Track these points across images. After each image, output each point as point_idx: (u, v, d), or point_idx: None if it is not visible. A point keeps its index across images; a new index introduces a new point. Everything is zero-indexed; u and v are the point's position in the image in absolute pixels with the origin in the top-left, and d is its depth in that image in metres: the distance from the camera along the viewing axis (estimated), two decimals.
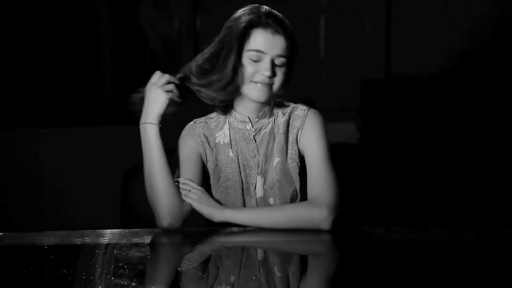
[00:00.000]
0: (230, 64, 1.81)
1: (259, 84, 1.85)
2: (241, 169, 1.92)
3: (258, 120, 1.93)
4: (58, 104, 4.58)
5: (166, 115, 1.86)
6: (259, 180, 1.92)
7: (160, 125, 1.85)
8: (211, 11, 5.12)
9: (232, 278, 1.46)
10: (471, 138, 4.36)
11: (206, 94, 1.86)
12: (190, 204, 1.87)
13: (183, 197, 1.87)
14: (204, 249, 1.76)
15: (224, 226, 1.86)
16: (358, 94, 4.71)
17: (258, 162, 1.92)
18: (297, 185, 1.92)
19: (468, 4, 4.99)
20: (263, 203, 1.92)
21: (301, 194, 1.93)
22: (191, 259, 1.66)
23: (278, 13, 1.88)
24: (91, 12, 5.00)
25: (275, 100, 1.94)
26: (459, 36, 4.98)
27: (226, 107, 1.94)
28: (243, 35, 1.81)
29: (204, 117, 1.98)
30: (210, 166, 1.94)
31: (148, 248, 1.68)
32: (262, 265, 1.60)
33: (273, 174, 1.91)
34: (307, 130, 1.91)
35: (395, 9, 5.06)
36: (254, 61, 1.83)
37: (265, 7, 1.88)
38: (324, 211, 1.81)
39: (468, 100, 4.46)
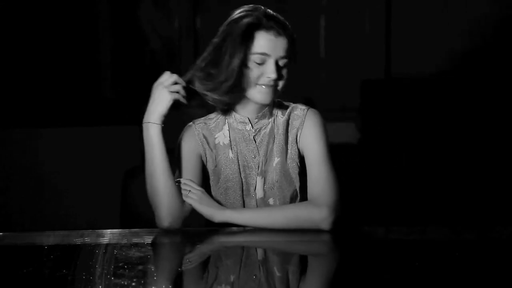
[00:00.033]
0: (235, 68, 1.80)
1: (264, 87, 1.84)
2: (241, 170, 1.92)
3: (258, 120, 1.93)
4: (58, 104, 4.58)
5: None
6: (259, 181, 1.92)
7: (162, 125, 1.84)
8: (211, 11, 5.12)
9: (232, 278, 1.46)
10: (471, 138, 4.36)
11: (212, 98, 1.85)
12: (190, 205, 1.87)
13: (184, 198, 1.87)
14: (204, 249, 1.76)
15: (224, 226, 1.86)
16: (358, 94, 4.71)
17: (258, 163, 1.92)
18: (297, 185, 1.92)
19: (468, 4, 4.99)
20: (263, 203, 1.92)
21: (301, 194, 1.93)
22: (191, 259, 1.66)
23: (277, 14, 1.88)
24: (91, 12, 5.00)
25: (275, 100, 1.94)
26: (459, 36, 4.98)
27: (227, 108, 1.93)
28: (246, 39, 1.80)
29: (203, 118, 1.98)
30: (209, 167, 1.94)
31: (148, 248, 1.68)
32: (262, 265, 1.60)
33: (273, 174, 1.91)
34: (307, 130, 1.91)
35: (395, 9, 5.06)
36: (258, 64, 1.82)
37: (262, 8, 1.86)
38: (324, 211, 1.81)
39: (468, 100, 4.46)
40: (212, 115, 1.97)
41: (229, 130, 1.94)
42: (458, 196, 4.09)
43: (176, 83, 1.84)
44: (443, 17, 5.03)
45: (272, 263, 1.63)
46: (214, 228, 1.89)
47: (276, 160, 1.91)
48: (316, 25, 5.38)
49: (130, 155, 4.01)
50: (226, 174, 1.92)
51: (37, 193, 4.01)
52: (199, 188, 1.89)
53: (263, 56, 1.82)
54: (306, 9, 5.28)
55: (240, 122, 1.93)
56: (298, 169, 1.92)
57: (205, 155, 1.94)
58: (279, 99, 1.96)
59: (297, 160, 1.92)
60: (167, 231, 1.85)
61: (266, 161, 1.92)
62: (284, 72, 1.85)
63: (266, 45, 1.81)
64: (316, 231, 1.81)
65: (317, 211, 1.81)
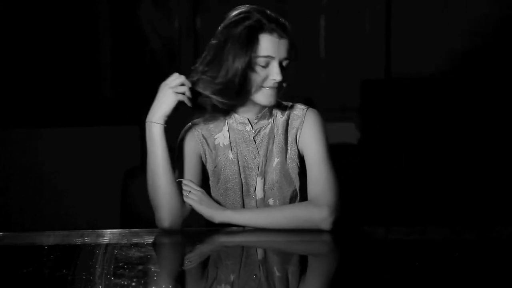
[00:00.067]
0: (239, 72, 1.79)
1: (268, 89, 1.84)
2: (241, 170, 1.92)
3: (258, 121, 1.93)
4: (58, 104, 4.58)
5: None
6: (259, 182, 1.91)
7: (165, 125, 1.84)
8: (211, 11, 5.12)
9: (232, 278, 1.46)
10: (471, 138, 4.36)
11: (217, 101, 1.85)
12: (190, 205, 1.87)
13: (184, 198, 1.87)
14: (204, 249, 1.76)
15: (224, 226, 1.86)
16: (358, 94, 4.71)
17: (258, 163, 1.92)
18: (297, 185, 1.92)
19: (468, 4, 4.99)
20: (263, 204, 1.92)
21: (301, 194, 1.92)
22: (191, 259, 1.66)
23: (276, 15, 1.87)
24: (91, 12, 5.00)
25: None
26: (459, 36, 4.98)
27: (228, 110, 1.93)
28: (250, 42, 1.80)
29: (202, 118, 1.97)
30: (209, 167, 1.94)
31: (148, 248, 1.68)
32: (262, 265, 1.60)
33: (273, 175, 1.91)
34: (306, 129, 1.91)
35: (395, 9, 5.06)
36: (263, 67, 1.82)
37: (259, 9, 1.85)
38: (325, 211, 1.80)
39: (468, 100, 4.46)
40: (211, 116, 1.96)
41: (228, 131, 1.93)
42: (458, 196, 4.09)
43: (182, 85, 1.83)
44: (443, 17, 5.03)
45: (272, 263, 1.63)
46: (214, 228, 1.89)
47: (276, 160, 1.91)
48: (316, 25, 5.38)
49: (130, 155, 4.01)
50: (226, 175, 1.92)
51: (37, 193, 4.01)
52: (199, 188, 1.89)
53: (267, 59, 1.81)
54: (306, 9, 5.28)
55: (240, 123, 1.92)
56: (297, 169, 1.92)
57: (205, 156, 1.93)
58: (279, 99, 1.96)
59: (296, 160, 1.92)
60: (167, 231, 1.85)
61: (266, 161, 1.92)
62: (286, 72, 1.85)
63: (270, 48, 1.81)
64: (316, 231, 1.81)
65: (317, 211, 1.81)
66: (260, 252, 1.72)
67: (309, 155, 1.89)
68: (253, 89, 1.84)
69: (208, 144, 1.93)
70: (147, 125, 1.84)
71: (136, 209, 2.23)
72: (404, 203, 4.04)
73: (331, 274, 1.56)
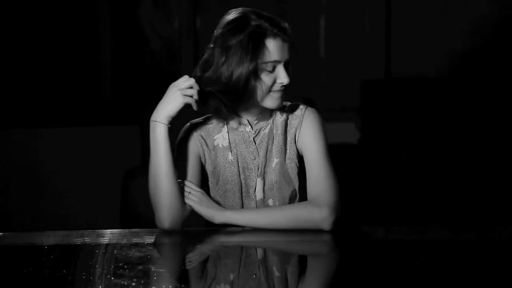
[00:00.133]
0: (243, 77, 1.79)
1: (276, 93, 1.84)
2: (241, 172, 1.92)
3: (258, 122, 1.93)
4: (58, 104, 4.59)
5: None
6: (259, 182, 1.91)
7: (169, 126, 1.83)
8: (211, 11, 5.13)
9: (232, 278, 1.46)
10: (471, 138, 4.37)
11: (220, 102, 1.85)
12: (190, 206, 1.87)
13: (184, 199, 1.87)
14: (204, 249, 1.76)
15: (224, 226, 1.86)
16: (358, 94, 4.71)
17: (258, 164, 1.92)
18: (296, 185, 1.91)
19: (468, 4, 5.00)
20: (263, 205, 1.91)
21: (300, 194, 1.92)
22: (191, 259, 1.66)
23: (275, 16, 1.86)
24: (91, 12, 5.00)
25: None
26: (459, 36, 4.99)
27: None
28: (255, 49, 1.79)
29: (201, 118, 1.97)
30: (208, 168, 1.94)
31: (148, 248, 1.68)
32: (262, 264, 1.60)
33: (272, 175, 1.91)
34: (305, 129, 1.91)
35: (395, 9, 5.06)
36: (269, 71, 1.82)
37: (256, 12, 1.84)
38: (325, 211, 1.80)
39: (468, 100, 4.46)
40: (210, 116, 1.96)
41: (228, 132, 1.93)
42: (458, 196, 4.09)
43: (191, 88, 1.83)
44: (443, 17, 5.04)
45: (272, 263, 1.63)
46: (214, 228, 1.89)
47: (275, 161, 1.91)
48: (316, 25, 5.38)
49: (130, 155, 4.01)
50: (226, 176, 1.92)
51: (37, 193, 4.01)
52: (198, 189, 1.89)
53: (274, 63, 1.81)
54: (306, 9, 5.29)
55: (240, 124, 1.92)
56: (297, 169, 1.91)
57: (204, 156, 1.93)
58: None
59: (296, 160, 1.92)
60: (167, 231, 1.85)
61: (266, 162, 1.92)
62: (290, 73, 1.85)
63: (276, 52, 1.80)
64: (316, 231, 1.81)
65: (317, 211, 1.81)
66: (260, 252, 1.72)
67: (308, 155, 1.89)
68: (260, 95, 1.83)
69: (207, 145, 1.93)
70: (151, 124, 1.83)
71: (136, 209, 2.23)
72: (404, 203, 4.04)
73: (331, 274, 1.56)
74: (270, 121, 1.93)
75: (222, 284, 1.42)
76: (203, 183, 1.93)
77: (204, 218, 1.89)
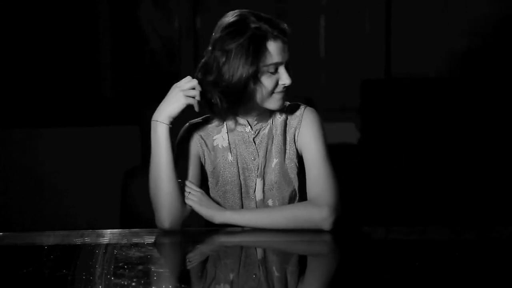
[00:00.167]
0: (243, 80, 1.79)
1: (279, 94, 1.84)
2: (240, 172, 1.92)
3: (257, 122, 1.93)
4: (58, 104, 4.59)
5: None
6: (258, 183, 1.91)
7: (170, 126, 1.83)
8: (211, 11, 5.13)
9: (232, 278, 1.46)
10: (471, 138, 4.37)
11: (221, 103, 1.84)
12: (190, 206, 1.87)
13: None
14: (204, 249, 1.76)
15: (224, 226, 1.86)
16: (358, 94, 4.71)
17: (258, 165, 1.92)
18: (296, 185, 1.91)
19: (468, 4, 5.00)
20: (262, 205, 1.91)
21: (300, 194, 1.92)
22: (191, 259, 1.66)
23: (273, 17, 1.86)
24: (91, 12, 5.00)
25: None
26: (459, 36, 4.99)
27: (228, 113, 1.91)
28: (256, 52, 1.78)
29: (200, 118, 1.97)
30: (208, 168, 1.94)
31: (148, 248, 1.68)
32: (262, 264, 1.60)
33: (272, 175, 1.91)
34: (304, 129, 1.91)
35: (395, 9, 5.06)
36: (271, 73, 1.82)
37: (255, 14, 1.83)
38: (325, 211, 1.80)
39: (468, 100, 4.46)
40: (209, 117, 1.96)
41: (227, 132, 1.93)
42: (458, 196, 4.09)
43: (194, 89, 1.83)
44: (443, 17, 5.04)
45: (272, 263, 1.63)
46: (214, 228, 1.89)
47: (274, 161, 1.91)
48: (316, 25, 5.38)
49: (130, 155, 4.01)
50: (225, 177, 1.92)
51: (37, 193, 4.01)
52: (198, 189, 1.89)
53: (275, 66, 1.81)
54: (306, 9, 5.29)
55: (239, 124, 1.92)
56: (296, 169, 1.91)
57: (204, 156, 1.93)
58: None
59: (295, 160, 1.91)
60: (167, 231, 1.85)
61: (266, 162, 1.91)
62: (291, 73, 1.85)
63: (277, 54, 1.80)
64: (316, 231, 1.81)
65: (317, 211, 1.81)
66: (259, 252, 1.72)
67: (307, 154, 1.89)
68: (262, 97, 1.83)
69: (206, 145, 1.93)
70: (153, 123, 1.83)
71: (136, 209, 2.23)
72: (404, 203, 4.04)
73: (331, 274, 1.56)
74: (270, 121, 1.93)
75: (222, 284, 1.42)
76: (203, 183, 1.93)
77: (204, 218, 1.89)
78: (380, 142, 4.52)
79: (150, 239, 1.77)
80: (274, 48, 1.80)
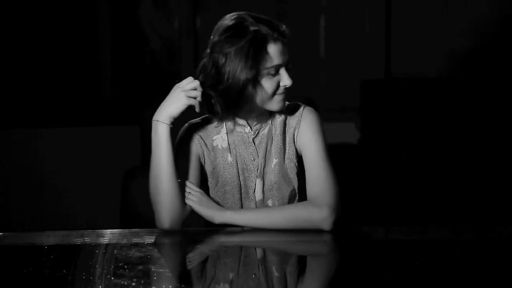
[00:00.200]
0: (245, 85, 1.79)
1: (280, 95, 1.84)
2: (240, 173, 1.92)
3: (257, 122, 1.92)
4: (58, 104, 4.59)
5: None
6: (258, 183, 1.91)
7: (171, 126, 1.83)
8: (211, 11, 5.13)
9: (232, 278, 1.46)
10: (471, 138, 4.37)
11: (220, 105, 1.84)
12: (190, 206, 1.87)
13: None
14: (204, 249, 1.76)
15: (224, 226, 1.86)
16: (358, 94, 4.71)
17: (257, 165, 1.92)
18: (295, 184, 1.91)
19: (468, 4, 5.00)
20: (262, 206, 1.91)
21: (299, 194, 1.92)
22: (191, 259, 1.66)
23: (272, 19, 1.85)
24: (91, 12, 5.00)
25: None
26: (459, 36, 4.99)
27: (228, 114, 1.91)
28: (257, 55, 1.78)
29: (200, 119, 1.97)
30: (208, 169, 1.94)
31: (148, 248, 1.68)
32: (261, 264, 1.60)
33: (272, 176, 1.91)
34: (304, 128, 1.91)
35: (395, 9, 5.06)
36: (272, 75, 1.82)
37: (253, 16, 1.83)
38: (325, 211, 1.80)
39: (468, 100, 4.46)
40: (208, 117, 1.96)
41: (227, 133, 1.93)
42: (458, 196, 4.09)
43: (195, 90, 1.82)
44: (443, 17, 5.04)
45: (272, 263, 1.63)
46: (213, 228, 1.89)
47: (274, 161, 1.91)
48: (316, 25, 5.38)
49: (130, 155, 4.01)
50: (225, 178, 1.92)
51: (37, 193, 4.01)
52: (198, 189, 1.89)
53: (277, 68, 1.81)
54: (306, 9, 5.29)
55: (239, 124, 1.92)
56: (296, 169, 1.91)
57: (203, 157, 1.93)
58: None
59: (295, 160, 1.91)
60: (167, 231, 1.85)
61: (265, 163, 1.91)
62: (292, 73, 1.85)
63: (278, 56, 1.80)
64: (316, 231, 1.81)
65: (317, 211, 1.80)
66: (259, 252, 1.72)
67: (307, 154, 1.89)
68: (263, 99, 1.83)
69: (206, 145, 1.93)
70: (153, 123, 1.83)
71: (136, 209, 2.23)
72: (404, 203, 4.04)
73: (331, 274, 1.56)
74: (269, 121, 1.93)
75: (222, 284, 1.42)
76: (203, 183, 1.93)
77: (204, 218, 1.89)
78: (380, 142, 4.52)
79: (150, 239, 1.77)
80: (274, 51, 1.80)
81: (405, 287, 1.41)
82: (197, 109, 1.83)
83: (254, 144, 1.92)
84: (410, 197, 4.10)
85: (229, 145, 1.92)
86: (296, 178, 1.91)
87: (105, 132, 4.18)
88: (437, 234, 1.86)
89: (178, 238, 1.83)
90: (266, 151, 1.91)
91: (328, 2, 5.40)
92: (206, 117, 1.95)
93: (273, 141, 1.92)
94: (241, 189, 1.91)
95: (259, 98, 1.82)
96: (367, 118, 4.65)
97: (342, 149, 4.52)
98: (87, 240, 1.76)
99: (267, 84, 1.81)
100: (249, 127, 1.91)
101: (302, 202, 1.87)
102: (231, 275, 1.48)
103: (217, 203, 1.91)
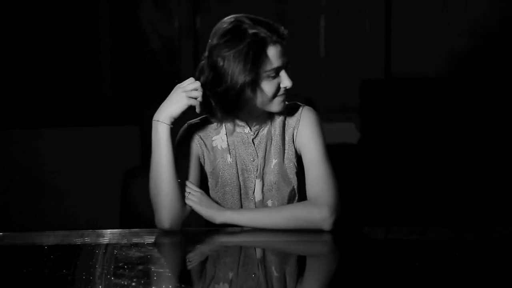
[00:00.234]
0: (243, 88, 1.79)
1: (280, 97, 1.84)
2: (239, 173, 1.91)
3: (256, 123, 1.92)
4: (58, 104, 4.59)
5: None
6: (258, 184, 1.91)
7: (171, 126, 1.83)
8: (211, 11, 5.12)
9: (232, 278, 1.46)
10: (471, 138, 4.37)
11: (220, 107, 1.84)
12: (190, 207, 1.87)
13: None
14: (204, 249, 1.76)
15: (224, 226, 1.86)
16: (358, 94, 4.71)
17: (257, 166, 1.91)
18: (295, 184, 1.91)
19: (468, 4, 5.00)
20: (262, 206, 1.91)
21: (299, 194, 1.92)
22: (191, 259, 1.66)
23: (271, 21, 1.85)
24: (91, 12, 5.00)
25: None
26: (459, 36, 4.99)
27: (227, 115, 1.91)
28: (257, 59, 1.77)
29: (199, 119, 1.97)
30: (207, 169, 1.94)
31: (148, 248, 1.68)
32: (261, 264, 1.60)
33: (271, 176, 1.90)
34: (303, 128, 1.90)
35: (395, 9, 5.06)
36: (273, 77, 1.82)
37: (251, 18, 1.82)
38: (325, 211, 1.80)
39: (468, 100, 4.46)
40: (208, 117, 1.95)
41: (226, 134, 1.92)
42: (458, 196, 4.09)
43: (196, 90, 1.82)
44: (443, 17, 5.03)
45: (272, 263, 1.63)
46: (213, 228, 1.89)
47: (273, 161, 1.91)
48: (316, 25, 5.38)
49: (130, 155, 4.01)
50: (224, 178, 1.91)
51: (37, 193, 4.01)
52: (198, 189, 1.89)
53: (276, 70, 1.81)
54: (306, 9, 5.29)
55: (238, 125, 1.92)
56: (295, 169, 1.91)
57: (203, 157, 1.93)
58: None
59: (294, 160, 1.91)
60: (167, 231, 1.85)
61: (265, 163, 1.91)
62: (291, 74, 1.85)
63: (277, 59, 1.80)
64: (316, 231, 1.81)
65: (317, 211, 1.80)
66: (259, 252, 1.72)
67: (306, 154, 1.88)
68: (263, 101, 1.83)
69: (206, 146, 1.93)
70: (154, 123, 1.83)
71: (136, 209, 2.23)
72: (404, 203, 4.04)
73: (331, 274, 1.56)
74: (268, 122, 1.93)
75: (222, 284, 1.42)
76: (203, 183, 1.93)
77: (204, 218, 1.89)
78: (380, 142, 4.52)
79: (150, 239, 1.77)
80: (274, 53, 1.79)
81: (405, 287, 1.41)
82: (197, 110, 1.83)
83: (254, 144, 1.92)
84: (410, 197, 4.10)
85: (228, 145, 1.92)
86: (295, 178, 1.91)
87: (105, 132, 4.18)
88: (437, 234, 1.86)
89: (178, 238, 1.83)
90: (265, 152, 1.91)
91: (328, 2, 5.40)
92: (205, 117, 1.94)
93: (273, 142, 1.92)
94: (240, 190, 1.91)
95: (259, 100, 1.82)
96: (367, 118, 4.65)
97: (342, 149, 4.53)
98: (87, 240, 1.76)
99: (267, 86, 1.81)
100: (248, 128, 1.91)
101: (302, 202, 1.87)
102: (231, 275, 1.48)
103: (217, 203, 1.91)
